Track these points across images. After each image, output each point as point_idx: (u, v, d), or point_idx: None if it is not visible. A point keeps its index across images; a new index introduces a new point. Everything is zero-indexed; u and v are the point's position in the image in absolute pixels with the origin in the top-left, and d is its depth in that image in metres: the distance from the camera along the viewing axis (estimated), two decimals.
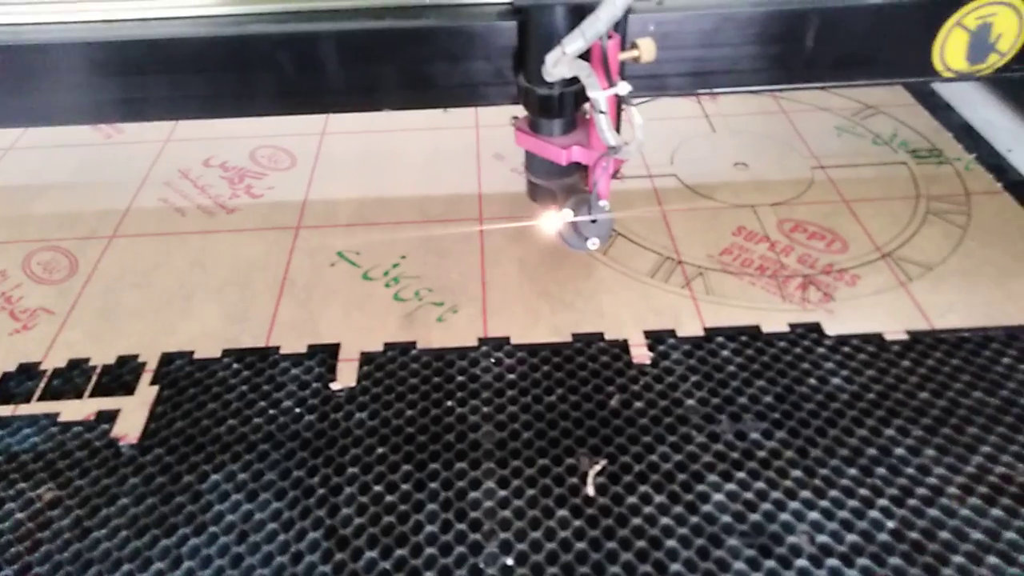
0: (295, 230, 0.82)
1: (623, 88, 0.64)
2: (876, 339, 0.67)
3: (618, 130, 0.69)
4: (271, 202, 0.86)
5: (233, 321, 0.71)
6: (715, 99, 1.02)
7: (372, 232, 0.81)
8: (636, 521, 0.55)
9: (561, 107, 0.67)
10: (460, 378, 0.66)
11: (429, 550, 0.54)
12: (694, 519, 0.55)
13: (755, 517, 0.55)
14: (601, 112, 0.64)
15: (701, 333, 0.69)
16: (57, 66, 0.69)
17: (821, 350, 0.67)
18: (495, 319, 0.70)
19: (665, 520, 0.55)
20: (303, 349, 0.68)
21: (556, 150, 0.68)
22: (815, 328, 0.69)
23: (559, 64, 0.57)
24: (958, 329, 0.68)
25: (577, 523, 0.55)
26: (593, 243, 0.69)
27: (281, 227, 0.82)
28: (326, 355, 0.68)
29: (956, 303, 0.70)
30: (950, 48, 0.71)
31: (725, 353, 0.67)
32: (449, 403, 0.64)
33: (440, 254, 0.78)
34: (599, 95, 0.62)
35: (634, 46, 0.63)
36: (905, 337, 0.67)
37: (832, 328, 0.68)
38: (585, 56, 0.62)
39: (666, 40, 0.69)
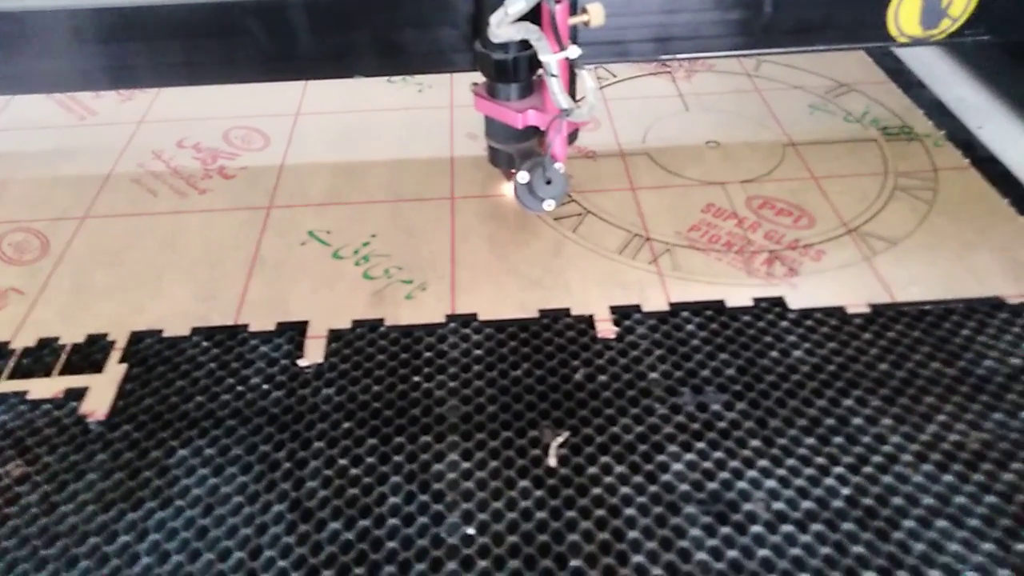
0: (267, 210, 0.82)
1: (573, 52, 0.65)
2: (838, 312, 0.68)
3: (573, 94, 0.70)
4: (243, 182, 0.86)
5: (203, 300, 0.71)
6: (690, 78, 1.03)
7: (343, 211, 0.81)
8: (596, 491, 0.56)
9: (516, 71, 0.68)
10: (427, 354, 0.67)
11: (392, 521, 0.54)
12: (653, 488, 0.56)
13: (713, 486, 0.56)
14: (552, 75, 0.65)
15: (666, 308, 0.69)
16: (34, 33, 0.70)
17: (784, 323, 0.68)
18: (464, 296, 0.71)
19: (625, 489, 0.56)
20: (272, 327, 0.69)
21: (512, 114, 0.69)
22: (779, 302, 0.69)
23: (503, 25, 0.58)
24: (919, 302, 0.69)
25: (538, 493, 0.56)
26: (549, 204, 0.70)
27: (253, 207, 0.83)
28: (295, 333, 0.68)
29: (918, 277, 0.71)
30: (904, 13, 0.72)
31: (690, 327, 0.68)
32: (416, 378, 0.65)
33: (411, 232, 0.78)
34: (550, 58, 0.64)
35: (584, 11, 0.64)
36: (867, 310, 0.68)
37: (796, 302, 0.69)
38: (536, 20, 0.63)
39: (629, 6, 0.71)
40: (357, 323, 0.69)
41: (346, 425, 0.61)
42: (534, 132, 0.73)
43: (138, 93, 1.04)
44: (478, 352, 0.66)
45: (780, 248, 0.75)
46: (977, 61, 1.06)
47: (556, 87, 0.67)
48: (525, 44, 0.65)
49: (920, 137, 0.89)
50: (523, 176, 0.71)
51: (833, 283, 0.71)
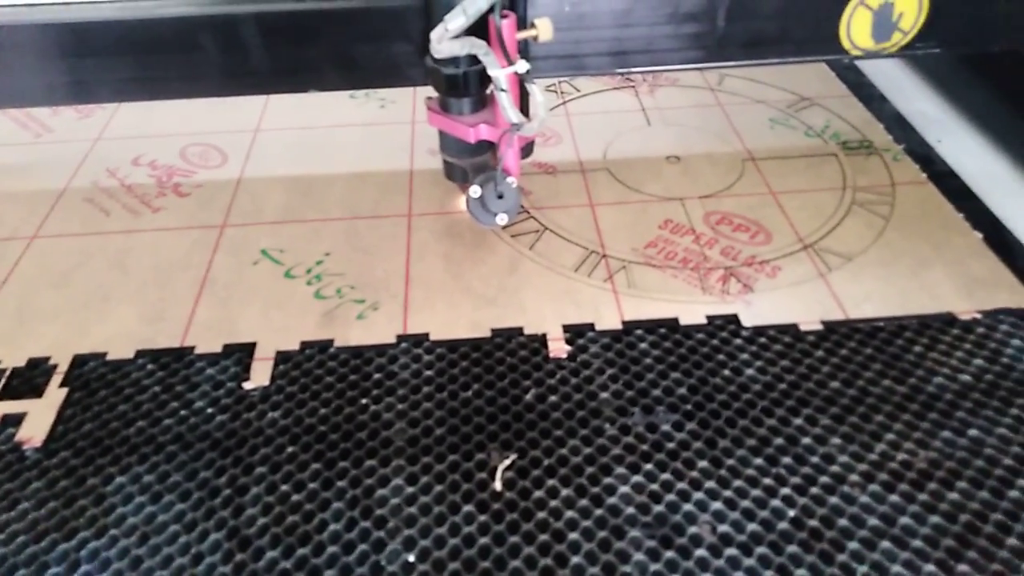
0: (220, 228, 0.81)
1: (522, 67, 0.65)
2: (792, 329, 0.68)
3: (526, 108, 0.69)
4: (198, 200, 0.85)
5: (150, 322, 0.70)
6: (653, 92, 1.03)
7: (298, 229, 0.81)
8: (541, 515, 0.55)
9: (466, 86, 0.68)
10: (377, 376, 0.66)
11: (331, 548, 0.53)
12: (598, 511, 0.55)
13: (659, 508, 0.55)
14: (502, 90, 0.65)
15: (620, 327, 0.69)
16: None
17: (737, 341, 0.67)
18: (416, 316, 0.70)
19: (570, 513, 0.55)
20: (219, 349, 0.68)
21: (464, 128, 0.69)
22: (732, 320, 0.69)
23: (443, 41, 0.58)
24: (872, 319, 0.68)
25: (482, 518, 0.55)
26: (502, 218, 0.70)
27: (206, 226, 0.81)
28: (242, 355, 0.67)
29: (873, 293, 0.71)
30: (856, 27, 0.73)
31: (643, 346, 0.67)
32: (364, 401, 0.64)
33: (365, 250, 0.78)
34: (498, 73, 0.63)
35: (532, 25, 0.64)
36: (820, 327, 0.68)
37: (749, 319, 0.69)
38: (484, 35, 0.63)
39: (582, 20, 0.71)
40: (306, 344, 0.68)
41: (290, 449, 0.60)
42: (488, 146, 0.73)
43: (96, 110, 1.03)
44: (428, 373, 0.66)
45: (736, 265, 0.74)
46: (938, 74, 1.07)
47: (505, 102, 0.67)
48: (475, 59, 0.64)
49: (879, 151, 0.89)
50: (475, 191, 0.71)
51: (788, 300, 0.71)
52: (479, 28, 0.62)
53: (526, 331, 0.68)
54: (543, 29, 0.66)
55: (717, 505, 0.55)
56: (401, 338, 0.68)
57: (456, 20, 0.57)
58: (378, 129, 0.97)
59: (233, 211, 0.83)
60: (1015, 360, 0.65)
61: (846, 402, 0.62)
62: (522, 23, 0.66)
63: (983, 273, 0.72)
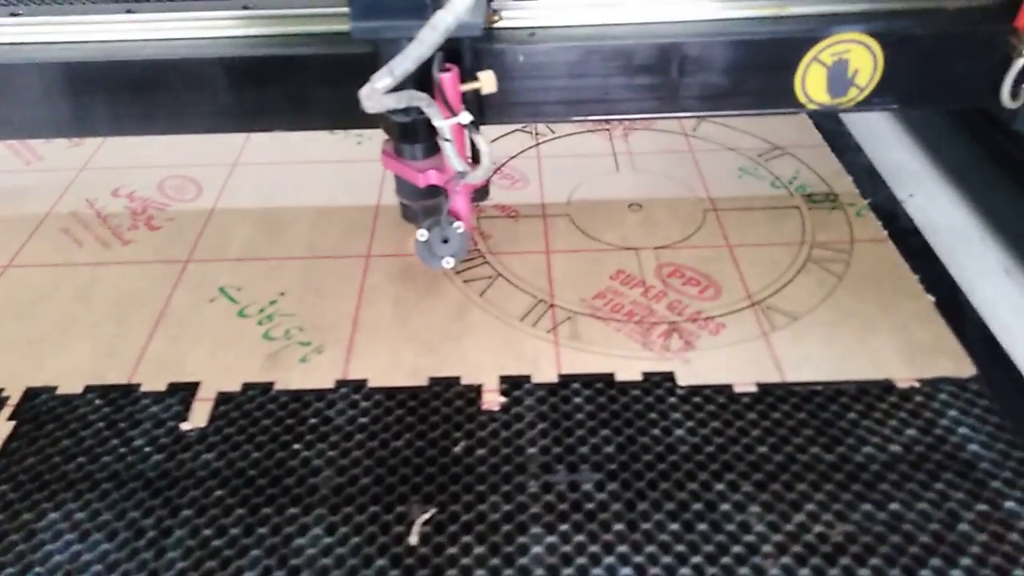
0: (184, 263, 0.83)
1: (465, 118, 0.67)
2: (726, 390, 0.68)
3: (475, 155, 0.71)
4: (168, 234, 0.88)
5: (103, 356, 0.73)
6: (627, 136, 1.03)
7: (258, 267, 0.83)
8: (451, 572, 0.56)
9: (416, 133, 0.69)
10: (313, 421, 0.67)
11: None
12: (508, 572, 0.56)
13: (568, 571, 0.56)
14: (446, 140, 0.67)
15: (556, 379, 0.69)
16: None
17: (672, 400, 0.68)
18: (358, 360, 0.72)
19: (480, 572, 0.56)
20: (164, 387, 0.70)
21: (414, 173, 0.71)
22: (668, 377, 0.69)
23: (373, 98, 0.59)
24: (809, 382, 0.68)
25: (393, 573, 0.56)
26: (448, 262, 0.72)
27: (171, 260, 0.84)
28: (186, 394, 0.69)
29: (813, 355, 0.71)
30: (811, 82, 0.73)
31: (577, 400, 0.68)
32: (296, 446, 0.65)
33: (319, 292, 0.79)
34: (441, 124, 0.66)
35: (475, 79, 0.66)
36: (755, 389, 0.68)
37: (686, 378, 0.69)
38: (427, 86, 0.64)
39: (538, 70, 0.72)
40: (248, 386, 0.70)
41: (218, 493, 0.61)
42: (440, 190, 0.75)
43: (86, 139, 1.06)
44: (363, 420, 0.67)
45: (681, 320, 0.75)
46: (920, 125, 1.06)
47: (449, 151, 0.69)
48: None
49: (844, 205, 0.89)
50: (422, 234, 0.73)
51: (727, 359, 0.71)
52: (426, 79, 0.64)
53: (463, 381, 0.69)
54: (486, 82, 0.67)
55: (626, 571, 0.56)
56: (340, 383, 0.70)
57: (383, 80, 0.59)
58: (352, 166, 0.99)
59: (199, 246, 0.86)
60: (948, 432, 0.64)
61: (771, 468, 0.62)
62: (469, 75, 0.68)
63: (928, 339, 0.71)
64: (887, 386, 0.68)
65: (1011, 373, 0.69)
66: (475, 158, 0.78)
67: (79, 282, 0.81)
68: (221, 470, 0.63)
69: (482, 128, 0.71)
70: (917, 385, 0.68)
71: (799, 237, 0.85)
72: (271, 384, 0.70)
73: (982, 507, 0.59)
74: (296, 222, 0.89)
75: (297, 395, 0.69)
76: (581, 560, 0.56)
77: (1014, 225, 0.87)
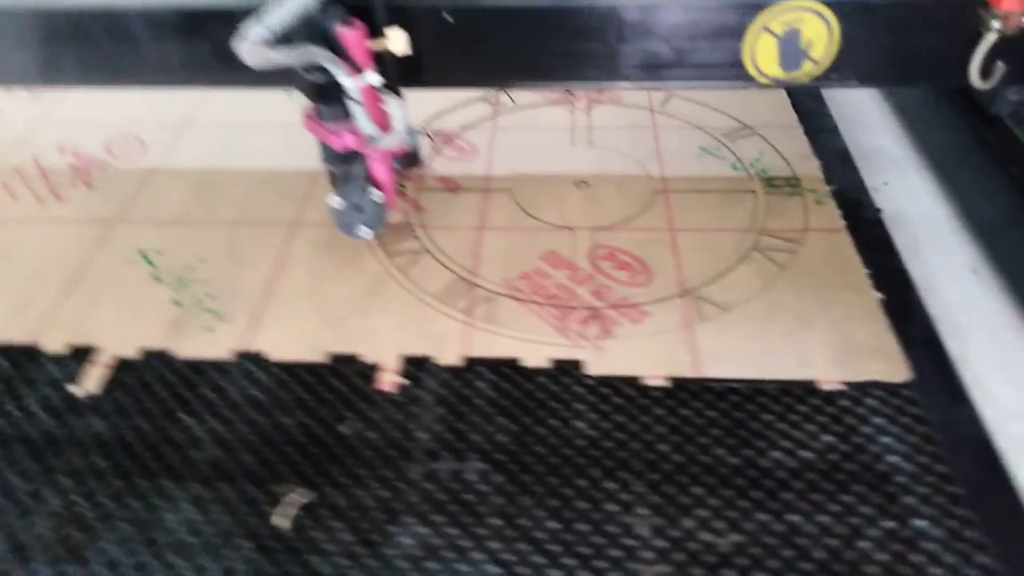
0: (111, 224, 0.82)
1: (373, 78, 0.63)
2: (635, 383, 0.64)
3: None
4: (102, 193, 0.87)
5: (11, 314, 0.72)
6: (590, 109, 0.99)
7: (185, 231, 0.81)
8: (313, 559, 0.54)
9: (330, 94, 0.66)
10: (206, 392, 0.65)
11: (96, 567, 0.53)
12: (372, 563, 0.54)
13: (433, 565, 0.53)
14: (355, 101, 0.63)
15: (459, 363, 0.66)
16: None
17: (578, 390, 0.64)
18: (263, 332, 0.69)
19: (342, 561, 0.54)
20: (67, 349, 0.68)
21: (331, 136, 0.69)
22: (577, 365, 0.66)
23: (253, 53, 0.56)
24: (726, 379, 0.64)
25: (253, 554, 0.54)
26: (364, 231, 0.69)
27: (100, 220, 0.82)
28: (85, 357, 0.68)
29: (738, 350, 0.66)
30: (761, 53, 0.68)
31: (480, 385, 0.65)
32: (184, 416, 0.63)
33: (239, 259, 0.77)
34: (348, 84, 0.62)
35: (383, 36, 0.63)
36: (665, 383, 0.64)
37: (596, 367, 0.66)
38: (335, 45, 0.61)
39: (469, 32, 0.68)
40: (147, 353, 0.68)
41: (99, 461, 0.60)
42: (362, 157, 0.72)
43: (46, 94, 1.05)
44: (256, 394, 0.65)
45: (603, 306, 0.71)
46: (908, 110, 0.99)
47: (359, 113, 0.66)
48: None
49: (804, 191, 0.84)
50: (335, 200, 0.70)
51: (644, 349, 0.67)
52: (323, 37, 0.61)
53: (364, 359, 0.67)
54: (395, 41, 0.64)
55: (493, 568, 0.53)
56: (239, 355, 0.68)
57: (254, 31, 0.56)
58: (302, 129, 0.96)
59: (131, 208, 0.84)
60: (868, 440, 0.60)
61: (669, 468, 0.59)
62: (379, 32, 0.65)
63: (865, 339, 0.67)
64: (810, 387, 0.64)
65: (950, 381, 0.64)
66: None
67: (5, 239, 0.80)
68: (106, 438, 0.62)
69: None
70: (842, 388, 0.63)
71: (748, 223, 0.80)
72: (170, 351, 0.68)
73: (888, 524, 0.55)
74: (233, 186, 0.87)
75: (195, 365, 0.67)
76: (448, 554, 0.54)
77: (989, 220, 0.81)
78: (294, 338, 0.69)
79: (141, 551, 0.54)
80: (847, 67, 0.71)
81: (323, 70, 0.65)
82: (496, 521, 0.56)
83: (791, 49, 0.69)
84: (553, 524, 0.55)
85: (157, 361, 0.68)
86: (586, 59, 0.72)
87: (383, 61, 0.69)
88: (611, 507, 0.56)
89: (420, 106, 0.96)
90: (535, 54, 0.74)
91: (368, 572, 0.53)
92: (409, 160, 0.78)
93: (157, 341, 0.69)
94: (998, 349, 0.68)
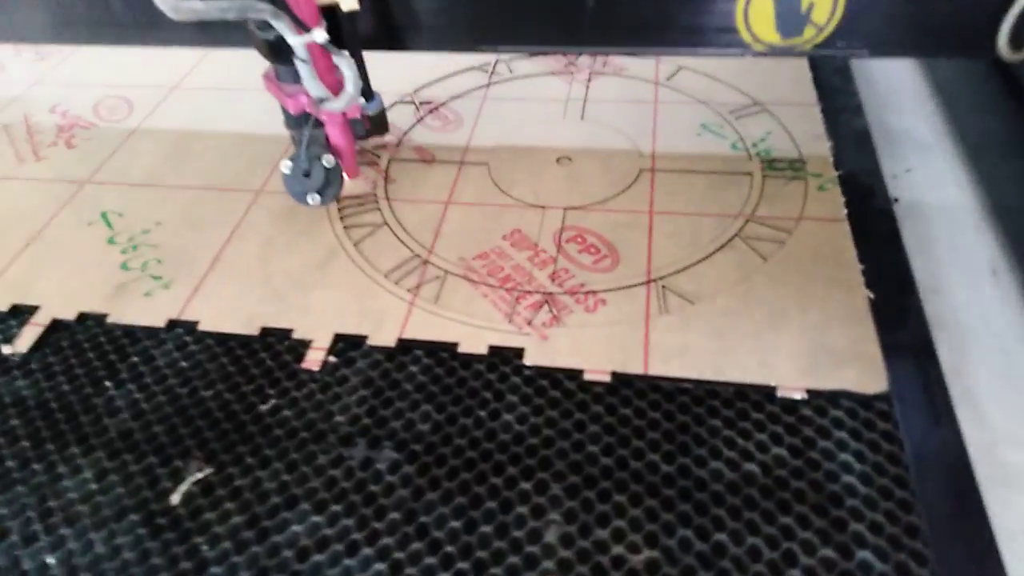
0: (81, 184, 0.81)
1: (319, 36, 0.60)
2: (576, 376, 0.59)
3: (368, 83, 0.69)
4: (81, 153, 0.86)
5: None
6: (590, 81, 0.92)
7: (148, 194, 0.79)
8: (199, 540, 0.51)
9: (283, 53, 0.63)
10: (135, 359, 0.64)
11: None
12: (256, 548, 0.51)
13: (319, 558, 0.50)
14: (301, 60, 0.61)
15: (393, 344, 0.62)
16: None
17: (514, 380, 0.60)
18: (201, 301, 0.67)
19: (226, 544, 0.51)
20: (6, 307, 0.68)
21: (285, 98, 0.66)
22: (518, 354, 0.61)
23: (178, 9, 0.53)
24: (675, 378, 0.58)
25: (141, 531, 0.52)
26: (313, 198, 0.66)
27: (71, 180, 0.82)
28: (25, 317, 0.67)
29: (695, 347, 0.60)
30: (756, 17, 0.62)
31: (412, 369, 0.61)
32: (107, 384, 0.62)
33: (195, 224, 0.75)
34: (293, 41, 0.60)
35: None
36: (608, 379, 0.59)
37: (538, 357, 0.61)
38: (279, 2, 0.59)
39: None
40: (83, 316, 0.67)
41: (13, 422, 0.59)
42: (320, 121, 0.69)
43: (54, 53, 1.06)
44: (183, 364, 0.63)
45: (559, 292, 0.66)
46: (947, 89, 0.89)
47: (305, 72, 0.63)
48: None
49: (808, 176, 0.76)
50: (285, 165, 0.68)
51: (593, 341, 0.61)
52: None
53: (295, 335, 0.64)
54: None
55: (380, 566, 0.49)
56: (172, 323, 0.65)
57: None
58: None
59: (103, 169, 0.83)
60: (825, 456, 0.53)
61: (593, 472, 0.53)
62: None
63: (843, 343, 0.59)
64: (769, 393, 0.57)
65: (934, 396, 0.56)
66: (365, 86, 0.71)
67: None
68: (27, 399, 0.61)
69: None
70: (804, 396, 0.56)
71: (737, 208, 0.72)
72: (105, 316, 0.66)
73: (828, 553, 0.48)
74: (207, 151, 0.85)
75: (129, 331, 0.65)
76: (337, 547, 0.50)
77: (1019, 217, 0.71)
78: (232, 309, 0.66)
79: (34, 520, 0.53)
80: (855, 34, 0.64)
81: (270, 27, 0.63)
82: (395, 516, 0.52)
83: (790, 12, 0.63)
84: (455, 524, 0.51)
85: (92, 324, 0.66)
86: (560, 21, 0.67)
87: (337, 19, 0.66)
88: (522, 510, 0.51)
89: (411, 73, 0.92)
90: (505, 15, 0.69)
91: (251, 560, 0.50)
92: (376, 126, 0.74)
93: (96, 304, 0.67)
94: (1003, 363, 0.60)
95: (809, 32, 0.64)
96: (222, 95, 0.94)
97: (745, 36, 0.65)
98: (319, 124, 0.70)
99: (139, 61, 1.01)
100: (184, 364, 0.63)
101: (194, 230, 0.74)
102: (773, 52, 0.66)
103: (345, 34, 0.68)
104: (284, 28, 0.61)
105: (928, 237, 0.71)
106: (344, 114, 0.69)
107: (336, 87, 0.67)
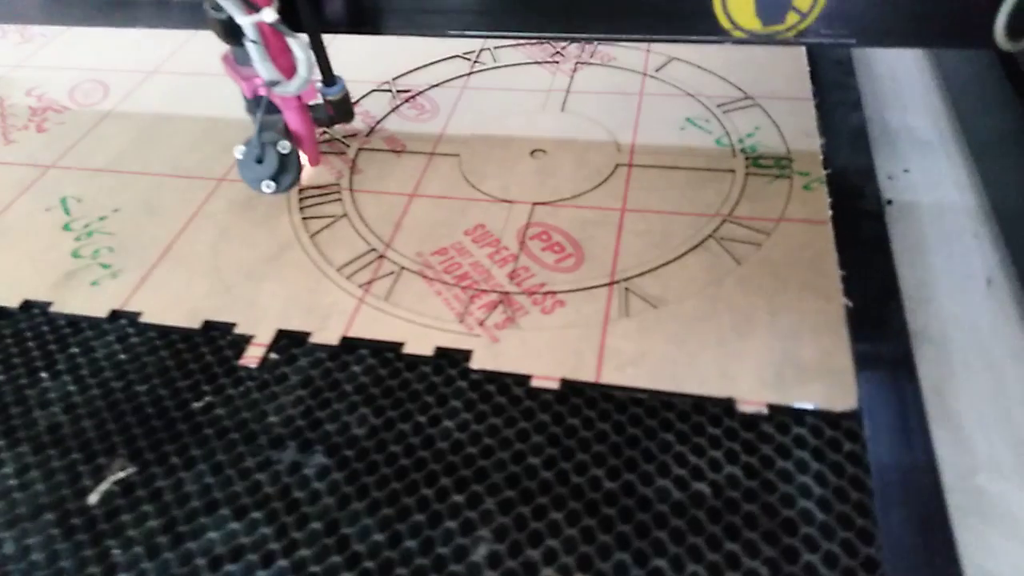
0: (45, 169, 0.80)
1: (268, 15, 0.58)
2: (524, 382, 0.56)
3: (327, 68, 0.67)
4: (50, 137, 0.85)
5: None
6: (577, 71, 0.88)
7: (110, 180, 0.77)
8: (111, 543, 0.49)
9: (238, 34, 0.61)
10: (75, 350, 0.61)
11: None
12: (167, 555, 0.48)
13: (231, 568, 0.47)
14: (252, 41, 0.58)
15: (336, 342, 0.59)
16: None
17: (459, 384, 0.56)
18: (147, 292, 0.65)
19: (137, 549, 0.48)
20: None
21: (241, 81, 0.64)
22: (466, 356, 0.58)
23: None
24: (628, 387, 0.54)
25: (54, 531, 0.50)
26: (267, 185, 0.64)
27: (36, 164, 0.80)
28: None
29: (654, 355, 0.56)
30: (735, 2, 0.58)
31: (355, 369, 0.58)
32: (43, 375, 0.60)
33: (152, 212, 0.73)
34: (243, 21, 0.57)
35: None
36: (555, 386, 0.55)
37: (485, 361, 0.57)
38: None
39: None
40: (28, 304, 0.65)
41: None
42: (271, 104, 0.66)
43: (37, 36, 1.04)
44: (122, 357, 0.61)
45: (516, 292, 0.62)
46: (961, 84, 0.84)
47: (256, 54, 0.60)
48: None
49: (793, 175, 0.71)
50: (238, 150, 0.65)
51: (546, 345, 0.58)
52: None
53: (238, 330, 0.61)
54: None
55: (282, 563, 0.46)
56: (116, 314, 0.63)
57: None
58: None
59: (70, 153, 0.82)
60: (783, 478, 0.49)
61: (532, 486, 0.50)
62: None
63: (814, 355, 0.55)
64: (728, 407, 0.53)
65: (909, 417, 0.52)
66: (325, 70, 0.68)
67: None
68: None
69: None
70: (765, 411, 0.52)
71: (715, 207, 0.68)
72: (48, 305, 0.64)
73: None
74: (175, 136, 0.83)
75: (72, 320, 0.63)
76: (252, 557, 0.48)
77: (1020, 223, 0.66)
78: (177, 301, 0.64)
79: None
80: (840, 21, 0.60)
81: (219, 7, 0.60)
82: (317, 526, 0.49)
83: None
84: (378, 537, 0.48)
85: (37, 313, 0.64)
86: (532, 6, 0.64)
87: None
88: (451, 525, 0.48)
89: (393, 60, 0.89)
90: (474, 1, 0.65)
91: (161, 568, 0.47)
92: (340, 113, 0.71)
93: (43, 292, 0.65)
94: (990, 381, 0.55)
95: (791, 19, 0.60)
96: (200, 80, 0.92)
97: (724, 22, 0.61)
98: (275, 109, 0.67)
99: (122, 45, 1.00)
100: (123, 357, 0.60)
101: (151, 218, 0.72)
102: (754, 40, 0.62)
103: (303, 16, 0.65)
104: (232, 7, 0.59)
105: (921, 243, 0.67)
106: (300, 98, 0.66)
107: (291, 70, 0.64)
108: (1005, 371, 0.56)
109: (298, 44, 0.61)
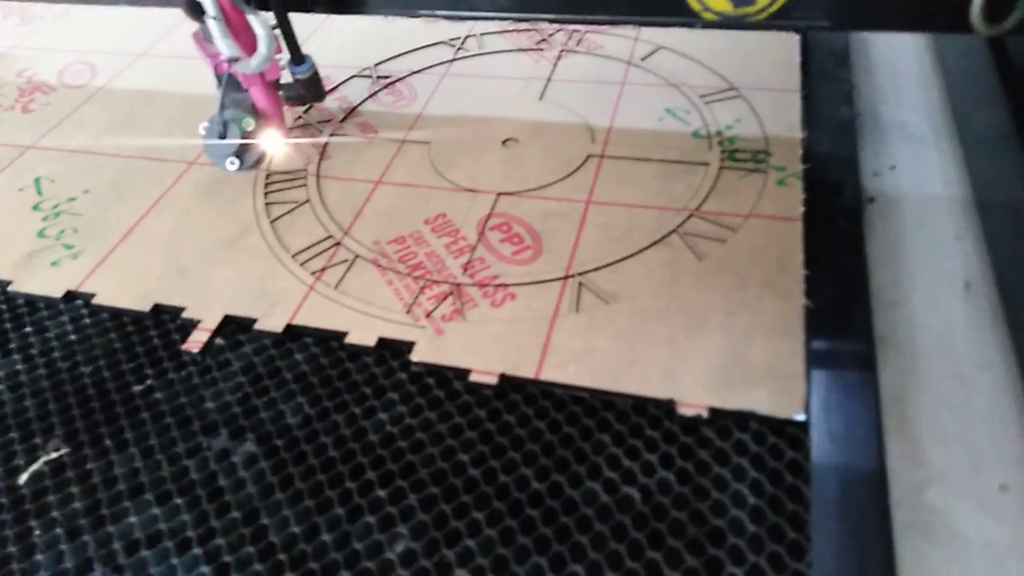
0: (25, 149, 0.80)
1: None
2: (463, 376, 0.54)
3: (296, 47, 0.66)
4: (36, 118, 0.85)
5: None
6: (561, 59, 0.86)
7: (86, 160, 0.78)
8: (33, 523, 0.49)
9: (198, 9, 0.60)
10: (27, 330, 0.62)
11: None
12: (86, 537, 0.48)
13: (145, 554, 0.47)
14: (212, 18, 0.58)
15: (280, 329, 0.59)
16: None
17: (399, 376, 0.55)
18: (103, 273, 0.65)
19: (57, 530, 0.48)
20: None
21: (207, 57, 0.63)
22: (409, 348, 0.56)
23: None
24: (568, 385, 0.53)
25: None
26: (231, 162, 0.63)
27: (16, 145, 0.81)
28: None
29: (598, 352, 0.54)
30: None
31: (297, 357, 0.57)
32: None
33: (121, 194, 0.73)
34: None
35: None
36: (494, 381, 0.53)
37: (427, 353, 0.56)
38: None
39: None
40: None
41: None
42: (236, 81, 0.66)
43: (36, 19, 1.06)
44: (72, 338, 0.61)
45: (468, 283, 0.61)
46: (958, 78, 0.80)
47: (215, 30, 0.60)
48: None
49: (769, 169, 0.68)
50: (203, 127, 0.65)
51: (489, 339, 0.56)
52: None
53: (186, 314, 0.61)
54: None
55: (205, 569, 0.46)
56: (70, 295, 0.63)
57: None
58: None
59: (51, 133, 0.82)
60: (718, 485, 0.47)
61: (457, 483, 0.49)
62: None
63: (765, 358, 0.52)
64: (669, 408, 0.51)
65: (859, 425, 0.49)
66: (293, 49, 0.67)
67: None
68: None
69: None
70: (705, 415, 0.50)
71: (683, 202, 0.66)
72: (8, 284, 0.65)
73: None
74: (157, 117, 0.83)
75: (30, 300, 0.64)
76: (167, 543, 0.47)
77: (1003, 226, 0.63)
78: (131, 283, 0.64)
79: None
80: (813, 4, 0.57)
81: None
82: (236, 515, 0.48)
83: None
84: (295, 529, 0.47)
85: None
86: None
87: None
88: (370, 520, 0.47)
89: (376, 45, 0.88)
90: None
91: (78, 550, 0.47)
92: (311, 92, 0.70)
93: (3, 271, 0.66)
94: (954, 391, 0.52)
95: (763, 0, 0.57)
96: (187, 63, 0.92)
97: (693, 4, 0.59)
98: (239, 86, 0.67)
99: (117, 27, 1.00)
100: (73, 338, 0.61)
101: (119, 200, 0.72)
102: (725, 22, 0.59)
103: None
104: None
105: (900, 242, 0.64)
106: (263, 76, 0.66)
107: (253, 47, 0.63)
108: (972, 381, 0.53)
109: (258, 21, 0.61)
